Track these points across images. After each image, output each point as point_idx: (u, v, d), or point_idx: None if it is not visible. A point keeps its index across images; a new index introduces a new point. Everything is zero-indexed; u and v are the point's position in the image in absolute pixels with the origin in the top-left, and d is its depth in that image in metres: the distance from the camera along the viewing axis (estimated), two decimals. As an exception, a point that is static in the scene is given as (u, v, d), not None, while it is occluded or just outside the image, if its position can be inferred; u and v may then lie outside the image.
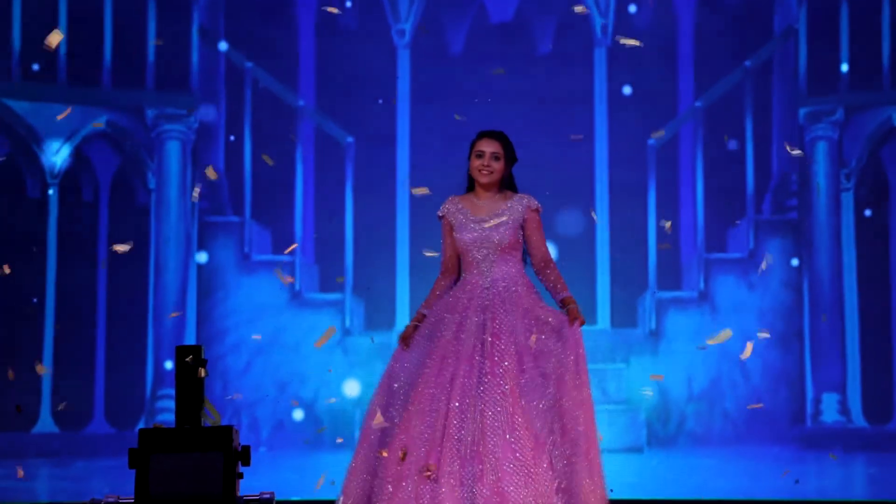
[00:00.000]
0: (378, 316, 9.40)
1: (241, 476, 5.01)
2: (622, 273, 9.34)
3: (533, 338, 6.34)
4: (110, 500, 4.95)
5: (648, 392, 9.06)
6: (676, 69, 9.49)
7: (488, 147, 6.52)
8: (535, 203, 6.57)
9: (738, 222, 9.43)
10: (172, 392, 5.27)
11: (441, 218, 6.59)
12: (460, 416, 6.27)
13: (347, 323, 9.35)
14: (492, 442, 6.20)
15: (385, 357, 9.28)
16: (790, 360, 9.30)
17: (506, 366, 6.33)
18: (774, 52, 9.48)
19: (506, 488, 6.11)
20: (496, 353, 6.37)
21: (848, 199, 9.40)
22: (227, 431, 4.97)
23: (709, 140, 9.45)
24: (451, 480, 6.14)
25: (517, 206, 6.53)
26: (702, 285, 9.38)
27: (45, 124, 9.29)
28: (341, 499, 6.31)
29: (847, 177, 9.40)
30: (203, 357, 5.08)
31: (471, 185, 6.65)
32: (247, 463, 5.02)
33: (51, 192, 9.31)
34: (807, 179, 9.41)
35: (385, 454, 6.32)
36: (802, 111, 9.40)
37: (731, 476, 9.05)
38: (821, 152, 9.39)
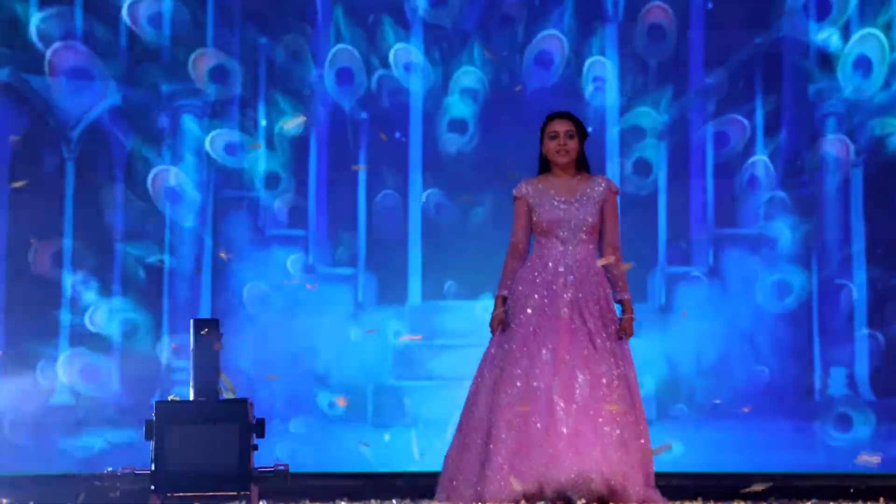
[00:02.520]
0: (390, 290, 9.43)
1: (255, 448, 5.08)
2: (632, 248, 9.38)
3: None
4: (127, 471, 5.02)
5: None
6: (687, 45, 9.49)
7: (561, 127, 6.54)
8: (614, 185, 6.62)
9: (747, 198, 9.44)
10: (188, 365, 5.33)
11: (517, 199, 6.59)
12: (565, 385, 6.29)
13: (360, 297, 9.40)
14: (599, 416, 6.25)
15: (396, 331, 9.37)
16: (798, 334, 9.34)
17: (609, 346, 6.38)
18: (784, 27, 9.48)
19: (612, 455, 6.17)
20: (600, 333, 6.41)
21: (857, 175, 9.41)
22: (242, 404, 5.04)
23: (719, 116, 9.46)
24: (563, 443, 6.18)
25: (599, 186, 6.56)
26: (711, 261, 9.42)
27: (62, 99, 9.34)
28: (445, 484, 6.37)
29: (857, 153, 9.41)
30: (219, 330, 5.14)
31: (542, 168, 6.67)
32: (261, 435, 5.08)
33: (68, 166, 9.37)
34: (817, 155, 9.42)
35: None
36: (812, 87, 9.41)
37: (739, 449, 9.10)
38: (831, 128, 9.41)
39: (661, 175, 9.47)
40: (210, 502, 7.23)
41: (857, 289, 9.35)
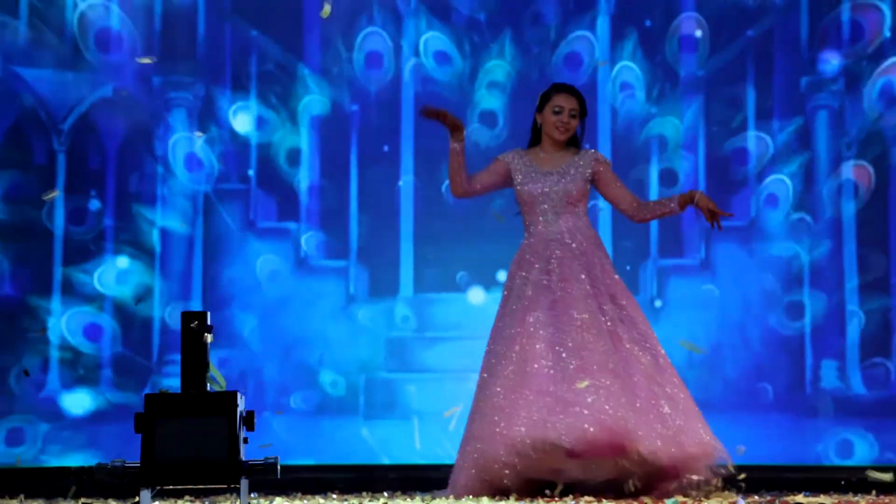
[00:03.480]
0: (382, 283, 9.43)
1: (245, 441, 5.07)
2: (624, 241, 9.37)
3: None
4: (116, 464, 5.01)
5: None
6: (679, 38, 9.48)
7: (567, 103, 6.45)
8: (601, 156, 6.51)
9: (739, 190, 9.44)
10: (178, 357, 5.32)
11: (498, 160, 6.54)
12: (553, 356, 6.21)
13: (352, 289, 9.40)
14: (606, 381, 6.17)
15: (388, 323, 9.36)
16: (790, 327, 9.34)
17: (586, 318, 6.30)
18: (776, 20, 9.48)
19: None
20: (606, 304, 6.34)
21: (848, 168, 9.41)
22: (232, 396, 5.03)
23: (711, 109, 9.46)
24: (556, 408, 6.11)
25: (584, 160, 6.47)
26: (703, 253, 9.42)
27: (53, 91, 9.32)
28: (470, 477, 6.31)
29: (848, 146, 9.42)
30: (209, 323, 5.13)
31: (533, 137, 6.60)
32: (251, 428, 5.07)
33: (58, 159, 9.36)
34: (808, 148, 9.43)
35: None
36: (804, 80, 9.41)
37: (730, 442, 9.10)
38: (822, 121, 9.41)
39: (653, 167, 9.47)
40: (200, 495, 7.23)
41: (848, 280, 9.35)
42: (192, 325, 5.08)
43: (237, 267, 9.36)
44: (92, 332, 9.23)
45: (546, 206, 6.43)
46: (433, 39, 9.48)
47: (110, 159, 9.37)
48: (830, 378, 9.29)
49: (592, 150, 6.55)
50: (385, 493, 7.69)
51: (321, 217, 9.47)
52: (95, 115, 9.37)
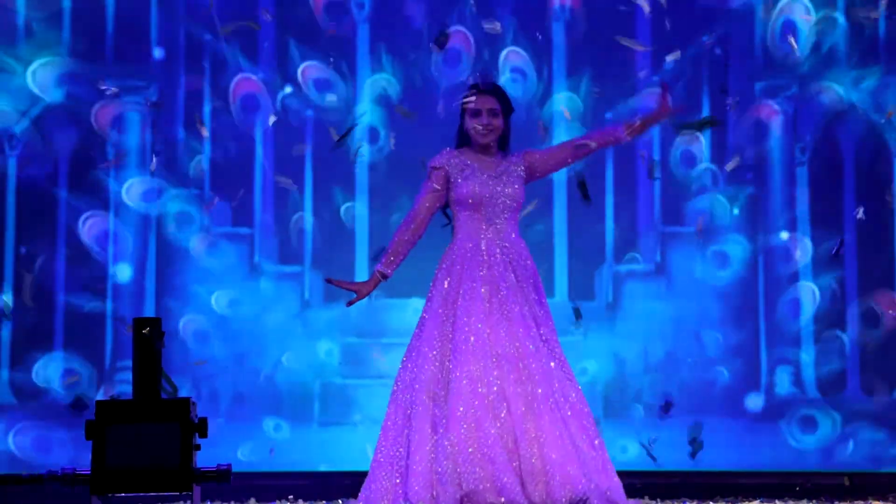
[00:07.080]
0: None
1: (198, 448, 5.04)
2: (580, 246, 9.38)
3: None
4: (67, 471, 4.97)
5: None
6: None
7: (484, 104, 5.96)
8: (523, 150, 6.15)
9: (694, 195, 9.47)
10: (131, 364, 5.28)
11: (436, 169, 6.00)
12: (516, 382, 5.87)
13: (306, 295, 9.37)
14: (548, 414, 5.78)
15: (343, 329, 9.33)
16: (745, 332, 9.37)
17: (553, 339, 6.05)
18: (731, 26, 9.50)
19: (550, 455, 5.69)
20: (544, 324, 6.04)
21: (803, 174, 9.45)
22: (184, 403, 5.00)
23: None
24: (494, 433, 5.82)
25: (516, 160, 6.01)
26: (658, 258, 9.43)
27: (2, 95, 9.25)
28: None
29: (802, 150, 9.46)
30: (161, 329, 5.10)
31: (462, 142, 6.08)
32: (204, 434, 5.04)
33: (9, 163, 9.29)
34: (762, 154, 9.46)
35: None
36: (758, 86, 9.44)
37: (686, 447, 9.12)
38: (776, 127, 9.45)
39: (609, 173, 9.47)
40: (152, 502, 7.19)
41: (803, 285, 9.39)
42: (143, 332, 5.04)
43: (191, 272, 9.30)
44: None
45: (494, 210, 6.00)
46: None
47: (62, 164, 9.30)
48: (784, 383, 9.32)
49: (516, 152, 6.19)
50: (340, 500, 7.67)
51: (275, 222, 9.44)
52: (47, 120, 9.30)
